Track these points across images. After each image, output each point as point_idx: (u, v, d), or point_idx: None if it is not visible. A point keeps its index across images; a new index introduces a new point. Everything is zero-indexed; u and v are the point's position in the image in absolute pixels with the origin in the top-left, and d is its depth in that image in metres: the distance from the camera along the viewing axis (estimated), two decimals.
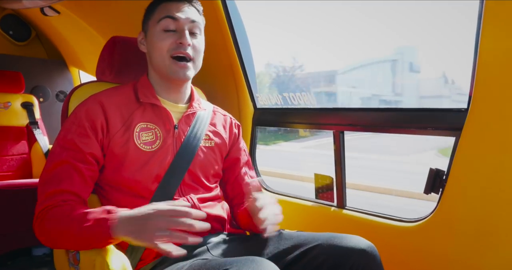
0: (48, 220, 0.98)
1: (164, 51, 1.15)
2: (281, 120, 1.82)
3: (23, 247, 2.41)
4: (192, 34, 1.17)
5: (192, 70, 1.18)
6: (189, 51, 1.15)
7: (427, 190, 1.29)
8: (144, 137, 1.15)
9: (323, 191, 1.63)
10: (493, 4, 1.06)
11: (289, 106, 1.77)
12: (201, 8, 1.24)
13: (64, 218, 0.96)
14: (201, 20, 1.22)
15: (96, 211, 0.95)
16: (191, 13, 1.18)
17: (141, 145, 1.14)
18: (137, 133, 1.14)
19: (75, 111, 1.14)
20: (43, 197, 1.02)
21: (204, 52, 1.24)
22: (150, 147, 1.15)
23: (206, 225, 0.88)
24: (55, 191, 1.01)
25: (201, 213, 0.89)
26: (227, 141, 1.33)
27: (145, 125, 1.16)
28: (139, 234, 0.88)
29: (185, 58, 1.15)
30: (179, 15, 1.15)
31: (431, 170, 1.28)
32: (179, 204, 0.90)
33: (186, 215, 0.87)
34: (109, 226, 0.90)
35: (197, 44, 1.18)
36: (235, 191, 1.35)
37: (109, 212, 0.94)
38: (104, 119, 1.12)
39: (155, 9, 1.19)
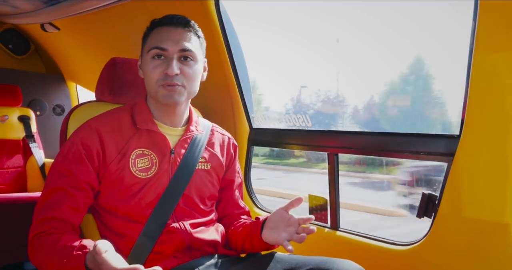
0: (37, 248, 1.03)
1: (153, 80, 1.14)
2: (276, 141, 1.84)
3: (16, 262, 2.39)
4: (184, 60, 1.15)
5: (183, 95, 1.16)
6: (178, 80, 1.13)
7: (420, 214, 1.31)
8: (140, 163, 1.16)
9: (317, 211, 1.65)
10: (486, 31, 1.09)
11: (285, 128, 1.79)
12: (199, 30, 1.21)
13: (50, 249, 1.01)
14: (196, 45, 1.17)
15: (74, 246, 0.97)
16: (183, 40, 1.14)
17: (137, 172, 1.15)
18: (132, 161, 1.15)
19: (71, 137, 1.16)
20: (35, 223, 1.07)
21: None
22: (146, 174, 1.16)
23: None
24: (46, 217, 1.06)
25: None
26: (223, 163, 1.33)
27: (141, 152, 1.17)
28: None
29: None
30: (168, 45, 1.12)
31: (423, 195, 1.30)
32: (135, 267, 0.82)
33: None
34: (83, 262, 0.92)
35: (188, 71, 1.14)
36: (225, 211, 1.35)
37: (83, 248, 0.96)
38: (100, 148, 1.13)
39: (149, 36, 1.17)
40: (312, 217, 1.12)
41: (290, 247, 1.09)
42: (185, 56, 1.14)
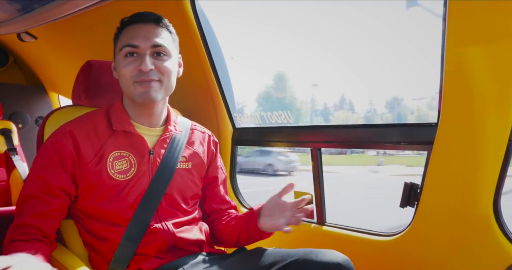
0: (5, 253, 1.01)
1: (127, 78, 1.12)
2: (260, 139, 1.84)
3: None
4: (157, 56, 1.13)
5: (160, 92, 1.14)
6: (153, 75, 1.11)
7: (403, 204, 1.31)
8: (118, 166, 1.15)
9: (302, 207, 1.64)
10: (457, 20, 1.10)
11: (268, 125, 1.79)
12: (170, 26, 1.19)
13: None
14: (168, 40, 1.16)
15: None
16: (154, 36, 1.12)
17: (115, 174, 1.14)
18: (110, 163, 1.14)
19: (45, 144, 1.14)
20: (9, 228, 1.08)
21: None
22: (124, 176, 1.15)
23: None
24: (16, 224, 1.07)
25: None
26: (205, 160, 1.32)
27: (119, 154, 1.16)
28: None
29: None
30: (139, 41, 1.11)
31: (405, 184, 1.30)
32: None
33: None
34: None
35: (162, 66, 1.13)
36: (212, 207, 1.35)
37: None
38: (75, 151, 1.12)
39: (120, 35, 1.16)
40: (292, 183, 1.19)
41: (288, 228, 1.15)
42: (158, 52, 1.13)
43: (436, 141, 1.20)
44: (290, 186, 1.18)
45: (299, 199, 1.20)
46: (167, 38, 1.16)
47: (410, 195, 1.29)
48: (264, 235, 1.23)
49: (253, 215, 1.22)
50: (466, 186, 1.15)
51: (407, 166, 12.87)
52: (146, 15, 1.15)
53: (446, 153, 1.18)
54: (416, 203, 1.28)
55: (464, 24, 1.10)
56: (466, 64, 1.11)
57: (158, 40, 1.13)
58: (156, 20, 1.15)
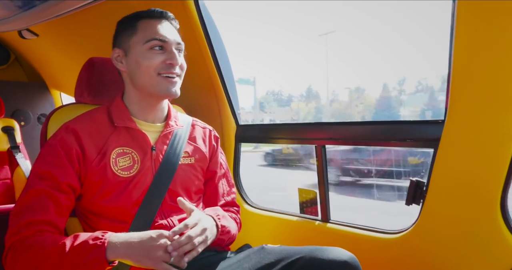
0: (24, 251, 0.97)
1: (151, 70, 1.14)
2: (264, 136, 1.83)
3: None
4: (179, 52, 1.18)
5: (179, 87, 1.19)
6: (178, 70, 1.17)
7: (409, 201, 1.30)
8: (121, 162, 1.14)
9: (307, 205, 1.63)
10: (466, 17, 1.09)
11: (272, 123, 1.78)
12: (178, 26, 1.24)
13: (46, 248, 0.95)
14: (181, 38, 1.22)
15: (85, 238, 0.96)
16: (176, 33, 1.19)
17: (119, 171, 1.13)
18: (113, 160, 1.13)
19: (49, 141, 1.13)
20: (15, 228, 1.01)
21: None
22: (128, 172, 1.14)
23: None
24: (29, 221, 1.01)
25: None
26: (207, 155, 1.32)
27: (122, 150, 1.15)
28: (143, 257, 0.94)
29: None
30: (167, 36, 1.15)
31: (411, 182, 1.29)
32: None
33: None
34: (104, 251, 0.92)
35: (183, 63, 1.19)
36: (209, 204, 1.33)
37: (97, 238, 0.95)
38: (79, 149, 1.11)
39: (137, 27, 1.16)
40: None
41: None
42: (179, 49, 1.19)
43: (443, 138, 1.19)
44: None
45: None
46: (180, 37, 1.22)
47: (416, 192, 1.28)
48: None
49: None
50: (473, 183, 1.14)
51: None
52: (164, 12, 1.20)
53: (453, 150, 1.17)
54: (422, 200, 1.27)
55: (473, 21, 1.09)
56: (475, 61, 1.10)
57: (179, 38, 1.19)
58: (172, 19, 1.22)
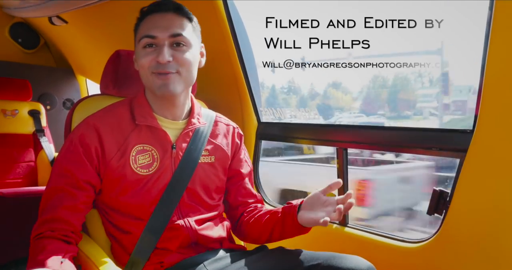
0: (31, 249, 1.03)
1: (146, 69, 1.11)
2: (285, 135, 1.81)
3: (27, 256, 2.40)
4: (177, 46, 1.11)
5: (179, 84, 1.12)
6: (171, 67, 1.10)
7: (431, 211, 1.27)
8: (141, 160, 1.14)
9: None
10: (503, 22, 1.05)
11: (294, 122, 1.77)
12: (190, 14, 1.16)
13: (37, 254, 1.00)
14: (188, 29, 1.13)
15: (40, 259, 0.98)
16: (173, 25, 1.11)
17: (138, 169, 1.14)
18: (133, 157, 1.13)
19: (71, 136, 1.14)
20: (37, 223, 1.07)
21: (206, 62, 1.21)
22: (147, 170, 1.14)
23: None
24: (46, 218, 1.06)
25: None
26: (229, 153, 1.29)
27: (142, 148, 1.15)
28: None
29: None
30: (158, 32, 1.09)
31: (434, 191, 1.26)
32: None
33: None
34: None
35: (181, 57, 1.11)
36: (238, 201, 1.31)
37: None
38: (99, 145, 1.12)
39: (139, 26, 1.14)
40: (340, 181, 1.11)
41: (326, 218, 1.03)
42: (177, 42, 1.11)
43: (471, 149, 1.15)
44: (336, 184, 1.11)
45: (344, 195, 1.10)
46: (187, 27, 1.14)
47: (439, 202, 1.25)
48: (300, 230, 1.16)
49: (292, 208, 1.15)
50: (500, 196, 1.10)
51: None
52: (165, 4, 1.13)
53: (480, 161, 1.13)
54: (444, 211, 1.24)
55: (510, 26, 1.04)
56: (509, 69, 1.06)
57: (177, 30, 1.11)
58: (175, 9, 1.13)
